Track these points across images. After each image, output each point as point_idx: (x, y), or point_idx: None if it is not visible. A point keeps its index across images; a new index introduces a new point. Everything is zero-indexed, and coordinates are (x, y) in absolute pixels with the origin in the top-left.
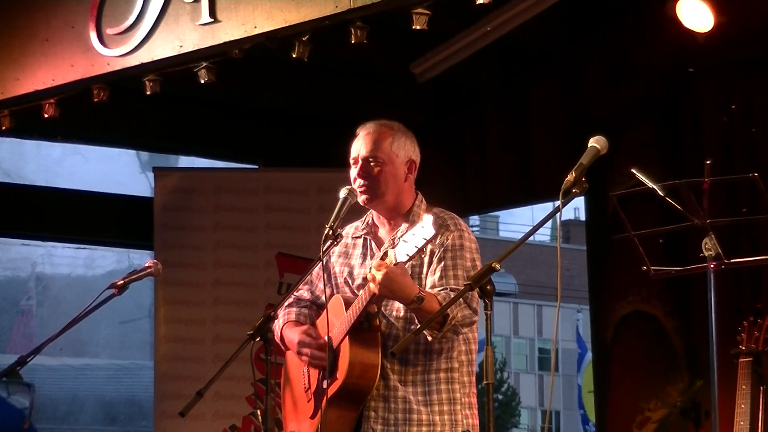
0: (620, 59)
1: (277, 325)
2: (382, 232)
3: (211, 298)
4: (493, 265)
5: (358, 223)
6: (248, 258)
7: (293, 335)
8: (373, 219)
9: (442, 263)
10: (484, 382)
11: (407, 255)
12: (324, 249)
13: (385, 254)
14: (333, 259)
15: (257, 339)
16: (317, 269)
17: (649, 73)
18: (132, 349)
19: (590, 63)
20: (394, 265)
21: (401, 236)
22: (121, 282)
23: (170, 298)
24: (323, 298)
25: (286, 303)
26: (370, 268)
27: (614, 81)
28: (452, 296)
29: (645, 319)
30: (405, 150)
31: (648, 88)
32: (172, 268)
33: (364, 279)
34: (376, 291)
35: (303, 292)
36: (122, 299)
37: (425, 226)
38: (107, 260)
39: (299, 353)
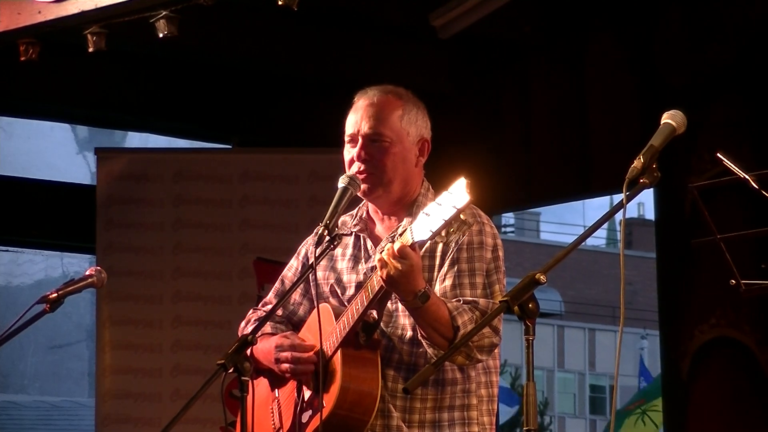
0: (705, 9)
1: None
2: (380, 228)
3: (170, 316)
4: (537, 276)
5: (347, 218)
6: (218, 265)
7: (269, 344)
8: (368, 212)
9: (456, 267)
10: (525, 428)
11: (431, 231)
12: (317, 254)
13: (398, 233)
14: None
15: (230, 370)
16: (295, 276)
17: (743, 28)
18: (67, 382)
19: (666, 13)
20: (411, 245)
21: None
22: (54, 295)
23: (117, 317)
24: (300, 312)
25: (254, 317)
26: (383, 249)
27: (697, 38)
28: (466, 309)
29: (732, 348)
30: (417, 126)
31: (741, 48)
32: (120, 278)
33: (359, 286)
34: (383, 278)
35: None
36: (55, 317)
37: (455, 191)
38: (35, 266)
39: (277, 360)
